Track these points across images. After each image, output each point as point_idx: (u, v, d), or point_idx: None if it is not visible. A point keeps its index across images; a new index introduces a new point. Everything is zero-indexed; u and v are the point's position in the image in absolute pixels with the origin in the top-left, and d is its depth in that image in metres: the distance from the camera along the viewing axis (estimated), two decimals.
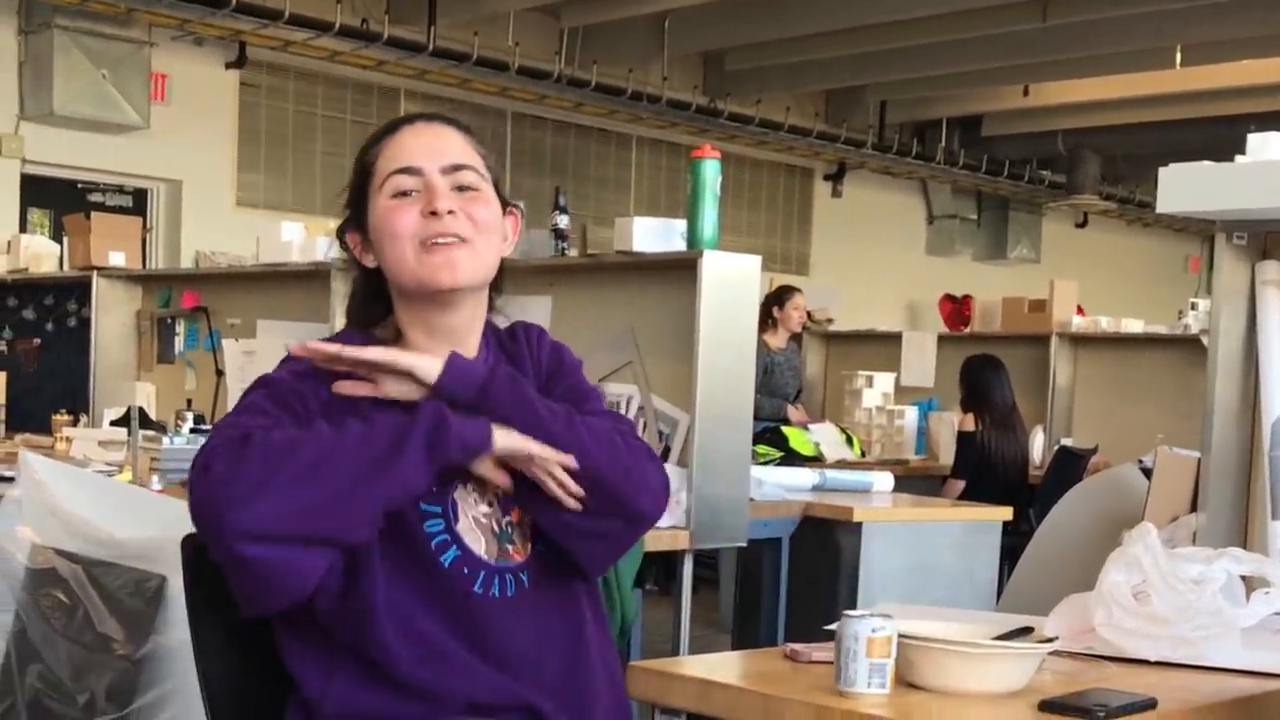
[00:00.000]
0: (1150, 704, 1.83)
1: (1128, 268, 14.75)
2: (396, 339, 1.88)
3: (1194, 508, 2.83)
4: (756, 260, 4.02)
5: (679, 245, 4.01)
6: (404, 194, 1.84)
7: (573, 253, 4.46)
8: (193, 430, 4.59)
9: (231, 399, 5.64)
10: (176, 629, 2.64)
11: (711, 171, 3.90)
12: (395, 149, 1.87)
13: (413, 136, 1.87)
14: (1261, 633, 2.30)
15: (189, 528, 2.02)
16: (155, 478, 4.22)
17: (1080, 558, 2.30)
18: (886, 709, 1.76)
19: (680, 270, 3.98)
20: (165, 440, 4.40)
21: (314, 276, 5.30)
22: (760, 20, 9.33)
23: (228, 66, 9.09)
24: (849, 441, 7.37)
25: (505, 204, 1.91)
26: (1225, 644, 2.18)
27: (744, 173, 11.80)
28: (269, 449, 1.67)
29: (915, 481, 6.77)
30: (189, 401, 5.76)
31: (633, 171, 11.20)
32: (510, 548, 1.82)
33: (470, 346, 1.89)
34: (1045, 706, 1.78)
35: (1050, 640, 1.96)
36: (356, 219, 1.90)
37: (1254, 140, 2.58)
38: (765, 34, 9.63)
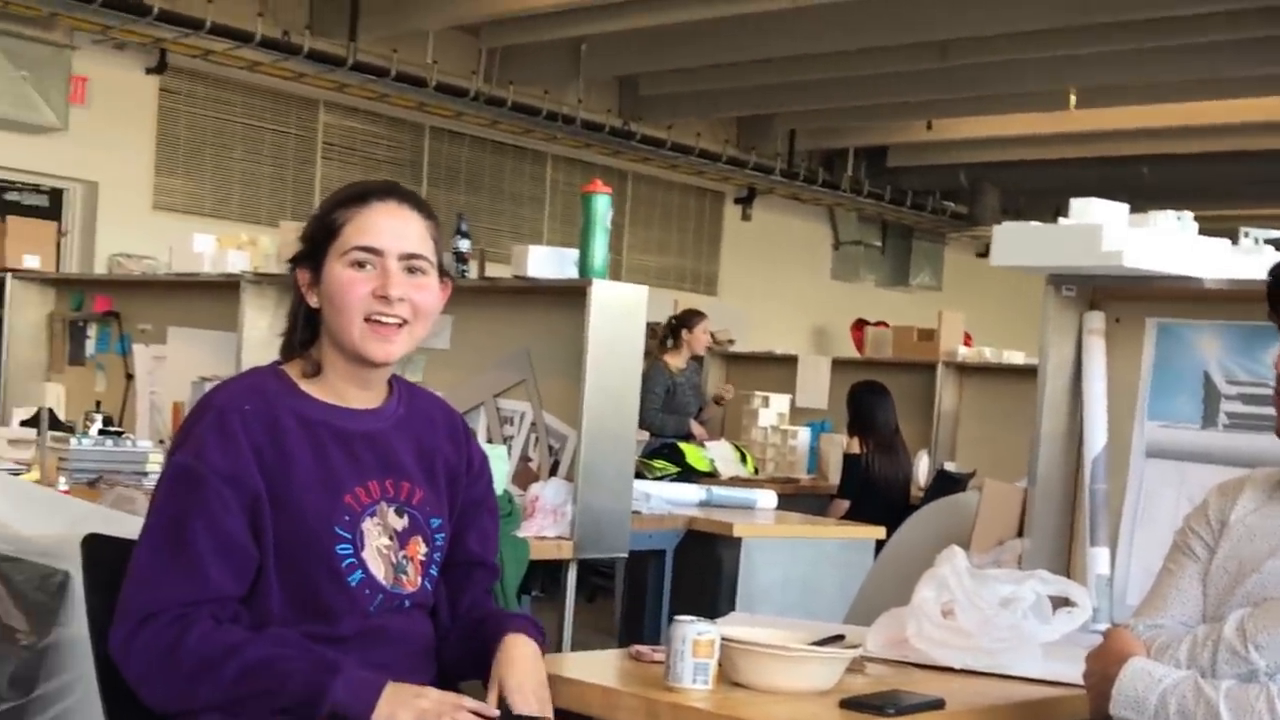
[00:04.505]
0: (938, 704, 2.09)
1: (1023, 299, 15.16)
2: (316, 373, 2.10)
3: (1021, 533, 3.12)
4: (644, 290, 4.27)
5: (572, 273, 4.25)
6: (360, 265, 2.06)
7: (472, 275, 4.67)
8: (101, 431, 4.72)
9: (140, 402, 5.79)
10: (80, 622, 2.81)
11: (603, 205, 4.14)
12: (364, 222, 2.07)
13: (382, 216, 2.08)
14: (1068, 646, 2.55)
15: (91, 527, 2.24)
16: (62, 478, 4.33)
17: (917, 575, 2.56)
18: (706, 702, 2.01)
19: (573, 296, 4.21)
20: (73, 441, 4.49)
21: (224, 287, 5.47)
22: (674, 48, 9.60)
23: (148, 72, 9.18)
24: (743, 459, 7.64)
25: (442, 273, 2.14)
26: (1025, 655, 2.44)
27: (656, 193, 12.06)
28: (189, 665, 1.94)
29: (805, 499, 7.01)
30: (98, 403, 5.87)
31: (548, 188, 11.41)
32: (404, 578, 2.09)
33: (381, 392, 2.15)
34: (845, 704, 2.04)
35: (855, 647, 2.22)
36: (312, 260, 2.10)
37: (1076, 204, 2.87)
38: (679, 62, 9.92)
